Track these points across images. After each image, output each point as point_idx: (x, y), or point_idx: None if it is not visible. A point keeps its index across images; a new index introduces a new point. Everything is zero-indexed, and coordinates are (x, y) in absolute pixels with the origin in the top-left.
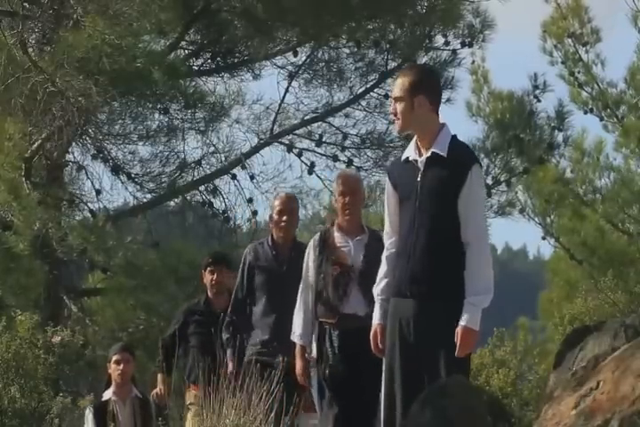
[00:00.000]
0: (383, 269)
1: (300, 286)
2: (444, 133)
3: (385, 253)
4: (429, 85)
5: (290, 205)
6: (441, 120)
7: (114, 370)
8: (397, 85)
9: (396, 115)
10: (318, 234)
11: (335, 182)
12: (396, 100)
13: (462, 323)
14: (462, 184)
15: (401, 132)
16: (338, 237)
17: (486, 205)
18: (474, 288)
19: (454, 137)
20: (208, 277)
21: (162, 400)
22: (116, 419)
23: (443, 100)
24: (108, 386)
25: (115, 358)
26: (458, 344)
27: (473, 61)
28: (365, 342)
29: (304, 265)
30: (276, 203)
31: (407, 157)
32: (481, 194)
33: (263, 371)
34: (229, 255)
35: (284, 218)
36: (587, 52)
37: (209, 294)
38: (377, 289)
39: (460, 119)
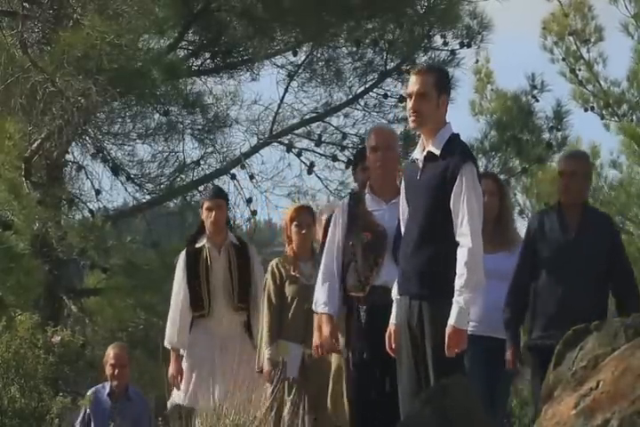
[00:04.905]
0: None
1: (324, 253)
2: (443, 132)
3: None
4: (449, 86)
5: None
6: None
7: (206, 217)
8: (420, 82)
9: (415, 111)
10: (348, 196)
11: (367, 137)
12: (420, 96)
13: (450, 322)
14: (453, 183)
15: (417, 129)
16: (370, 200)
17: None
18: (461, 287)
19: (454, 136)
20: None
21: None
22: (208, 266)
23: None
24: (198, 233)
25: (206, 205)
26: (446, 344)
27: (477, 60)
28: None
29: (330, 231)
30: None
31: (413, 158)
32: (473, 193)
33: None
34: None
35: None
36: (588, 51)
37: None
38: (393, 289)
39: (460, 119)
